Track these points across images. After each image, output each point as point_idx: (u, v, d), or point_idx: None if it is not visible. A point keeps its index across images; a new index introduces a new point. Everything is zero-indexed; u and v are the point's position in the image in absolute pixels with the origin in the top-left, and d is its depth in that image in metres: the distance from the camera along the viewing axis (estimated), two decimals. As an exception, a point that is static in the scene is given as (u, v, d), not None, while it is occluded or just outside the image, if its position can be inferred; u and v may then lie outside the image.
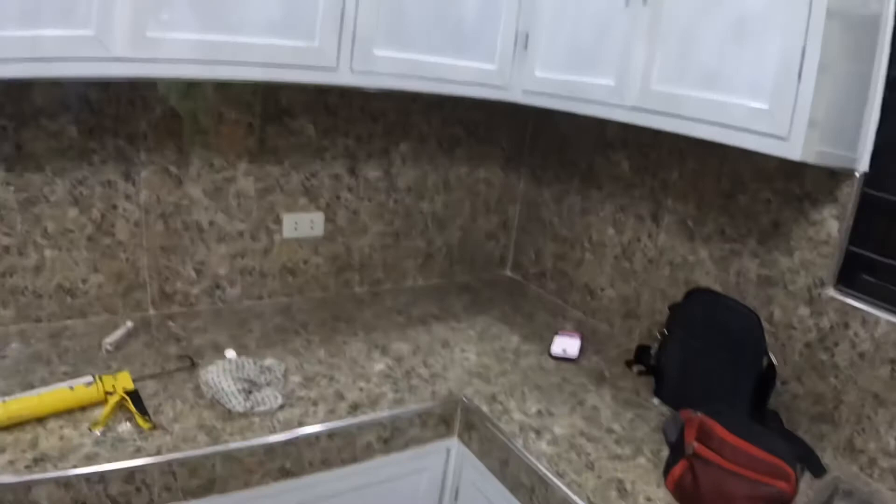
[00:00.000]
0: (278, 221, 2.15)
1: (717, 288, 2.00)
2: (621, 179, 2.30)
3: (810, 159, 1.46)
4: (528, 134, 2.62)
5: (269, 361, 1.72)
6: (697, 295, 1.92)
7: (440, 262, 2.61)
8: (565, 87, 1.92)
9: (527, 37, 2.02)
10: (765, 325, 1.81)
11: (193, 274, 2.06)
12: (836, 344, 1.72)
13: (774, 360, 1.76)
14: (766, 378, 1.77)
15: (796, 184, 1.79)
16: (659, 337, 1.96)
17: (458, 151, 2.48)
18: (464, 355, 1.98)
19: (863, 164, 1.71)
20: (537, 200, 2.66)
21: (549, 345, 2.09)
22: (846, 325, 1.70)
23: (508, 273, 2.83)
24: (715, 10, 1.55)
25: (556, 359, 2.04)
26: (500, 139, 2.59)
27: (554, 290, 2.59)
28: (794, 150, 1.41)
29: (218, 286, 2.11)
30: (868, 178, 1.72)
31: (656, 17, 1.66)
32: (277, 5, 1.60)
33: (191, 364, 1.70)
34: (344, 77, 1.73)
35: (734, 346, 1.76)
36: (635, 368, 2.03)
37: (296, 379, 1.73)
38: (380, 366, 1.85)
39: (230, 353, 1.75)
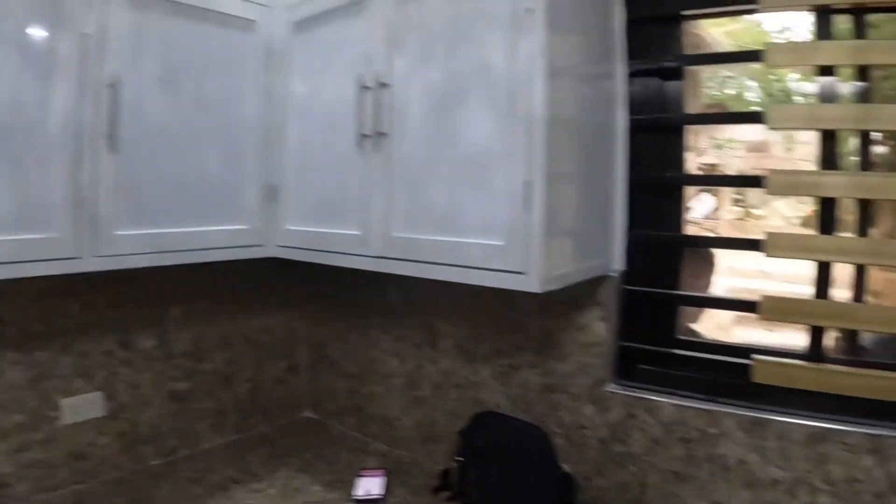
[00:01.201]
0: (56, 408, 2.11)
1: (504, 403, 2.10)
2: (395, 310, 2.41)
3: (553, 287, 1.57)
4: (301, 275, 2.68)
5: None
6: (482, 418, 2.02)
7: (234, 418, 2.60)
8: (316, 240, 2.01)
9: (275, 190, 2.11)
10: (556, 429, 1.95)
11: (-26, 476, 1.97)
12: (628, 434, 1.86)
13: (568, 469, 1.89)
14: (566, 485, 1.90)
15: (558, 292, 1.93)
16: (454, 464, 2.04)
17: (232, 305, 2.52)
18: (266, 519, 1.94)
19: (618, 264, 1.90)
20: (321, 339, 2.72)
21: (353, 488, 2.12)
22: (633, 416, 1.85)
23: (307, 414, 2.84)
24: (441, 152, 1.68)
25: (361, 502, 2.06)
26: (274, 286, 2.66)
27: (353, 425, 2.63)
28: (532, 284, 1.52)
29: (4, 484, 2.03)
30: (625, 275, 1.91)
31: (389, 164, 1.78)
32: (9, 199, 1.61)
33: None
34: (89, 264, 1.75)
35: (526, 463, 1.87)
36: (443, 495, 2.08)
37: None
38: (177, 550, 1.80)
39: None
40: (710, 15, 1.98)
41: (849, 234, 1.74)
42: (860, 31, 1.71)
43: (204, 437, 2.52)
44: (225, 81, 2.05)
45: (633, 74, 1.94)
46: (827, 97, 1.75)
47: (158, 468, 2.33)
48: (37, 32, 1.64)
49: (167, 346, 2.37)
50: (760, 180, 1.76)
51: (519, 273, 1.54)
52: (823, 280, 1.78)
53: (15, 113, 1.62)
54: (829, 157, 1.75)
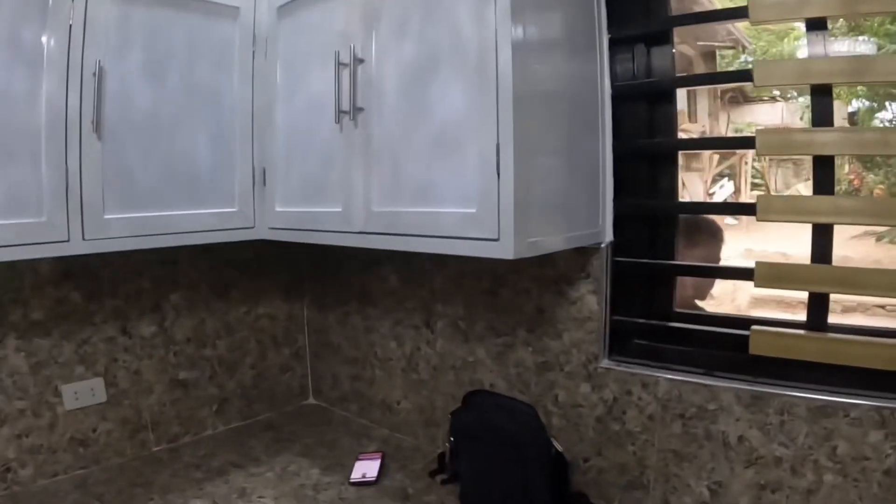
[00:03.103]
0: (58, 394, 2.19)
1: (501, 384, 2.13)
2: (393, 293, 2.45)
3: (528, 254, 1.58)
4: (302, 261, 2.77)
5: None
6: (472, 398, 2.04)
7: (237, 405, 2.66)
8: (302, 219, 2.06)
9: (264, 172, 2.18)
10: (553, 409, 1.96)
11: (-19, 462, 2.04)
12: (624, 412, 1.86)
13: (559, 448, 1.90)
14: (559, 465, 1.92)
15: (549, 267, 1.94)
16: (447, 445, 2.07)
17: (233, 292, 2.59)
18: (262, 502, 2.03)
19: (607, 235, 1.90)
20: (323, 325, 2.78)
21: (350, 472, 2.17)
22: (629, 393, 1.85)
23: (312, 401, 2.91)
24: (416, 124, 1.70)
25: (356, 484, 2.11)
26: (275, 272, 2.72)
27: (356, 411, 2.68)
28: (506, 250, 1.53)
29: (9, 469, 2.11)
30: (616, 247, 1.91)
31: (368, 139, 1.81)
32: (0, 187, 1.70)
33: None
34: (78, 247, 1.83)
35: (514, 443, 1.86)
36: (439, 478, 2.11)
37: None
38: (173, 530, 1.83)
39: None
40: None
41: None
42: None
43: (208, 423, 2.60)
44: (212, 68, 2.12)
45: (615, 41, 1.94)
46: (818, 53, 1.71)
47: (161, 454, 2.41)
48: (24, 27, 1.73)
49: (167, 332, 2.45)
50: (752, 140, 1.73)
51: (492, 240, 1.56)
52: (821, 244, 1.75)
53: (4, 104, 1.72)
54: (822, 115, 1.72)
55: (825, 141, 1.67)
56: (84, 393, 2.26)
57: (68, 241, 1.82)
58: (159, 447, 2.45)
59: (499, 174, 1.53)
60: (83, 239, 1.85)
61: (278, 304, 2.76)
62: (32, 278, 2.14)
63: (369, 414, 2.62)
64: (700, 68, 9.69)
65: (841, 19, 1.72)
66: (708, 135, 9.01)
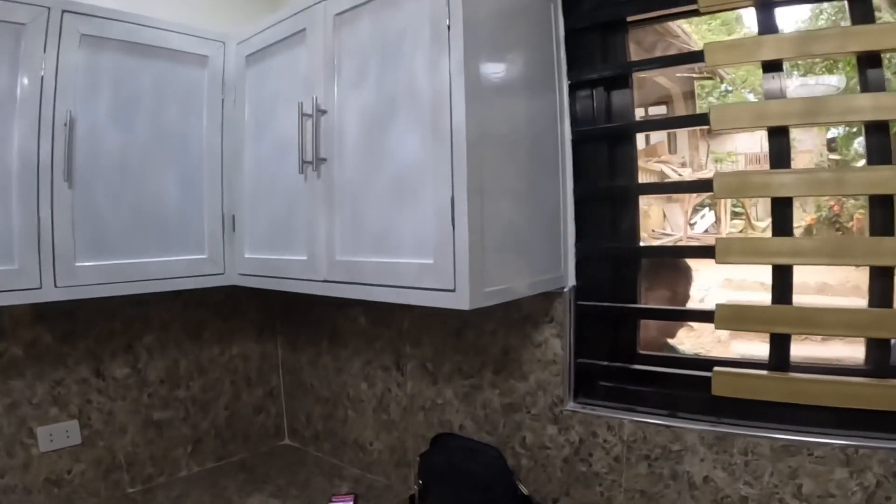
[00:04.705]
0: (33, 436, 2.20)
1: (469, 424, 2.15)
2: (362, 334, 2.48)
3: (485, 304, 1.61)
4: (274, 301, 2.80)
5: None
6: (439, 440, 2.06)
7: (212, 445, 2.68)
8: (270, 266, 2.10)
9: (233, 219, 2.21)
10: (521, 450, 1.98)
11: (-48, 504, 2.05)
12: (591, 454, 1.89)
13: (525, 490, 1.92)
14: (525, 507, 1.94)
15: (514, 309, 1.96)
16: (416, 487, 2.10)
17: (206, 333, 2.61)
18: (231, 543, 2.00)
19: (570, 279, 1.92)
20: (296, 366, 2.81)
21: (322, 513, 2.17)
22: (594, 434, 1.87)
23: (287, 441, 2.93)
24: (375, 173, 1.73)
25: (328, 526, 2.10)
26: (247, 313, 2.76)
27: (329, 451, 2.70)
28: (462, 301, 1.55)
29: None
30: (579, 291, 1.93)
31: (329, 188, 1.85)
32: (-30, 234, 1.68)
33: None
34: (50, 294, 1.86)
35: (480, 486, 1.90)
36: (410, 519, 2.14)
37: None
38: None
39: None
40: (651, 20, 2.02)
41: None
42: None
43: (182, 463, 2.60)
44: (180, 115, 2.16)
45: (575, 85, 1.97)
46: (774, 93, 1.74)
47: (135, 495, 2.41)
48: (-5, 77, 1.74)
49: (140, 374, 2.46)
50: (710, 184, 1.76)
51: (448, 291, 1.58)
52: (781, 285, 1.76)
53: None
54: (780, 156, 1.74)
55: (781, 182, 1.69)
56: (59, 435, 2.27)
57: (40, 288, 1.85)
58: (134, 489, 2.46)
59: (454, 225, 1.56)
60: (55, 286, 1.88)
61: (251, 345, 2.78)
62: (4, 320, 2.15)
63: (342, 454, 2.64)
64: (678, 99, 9.75)
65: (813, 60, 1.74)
66: (688, 165, 9.05)
